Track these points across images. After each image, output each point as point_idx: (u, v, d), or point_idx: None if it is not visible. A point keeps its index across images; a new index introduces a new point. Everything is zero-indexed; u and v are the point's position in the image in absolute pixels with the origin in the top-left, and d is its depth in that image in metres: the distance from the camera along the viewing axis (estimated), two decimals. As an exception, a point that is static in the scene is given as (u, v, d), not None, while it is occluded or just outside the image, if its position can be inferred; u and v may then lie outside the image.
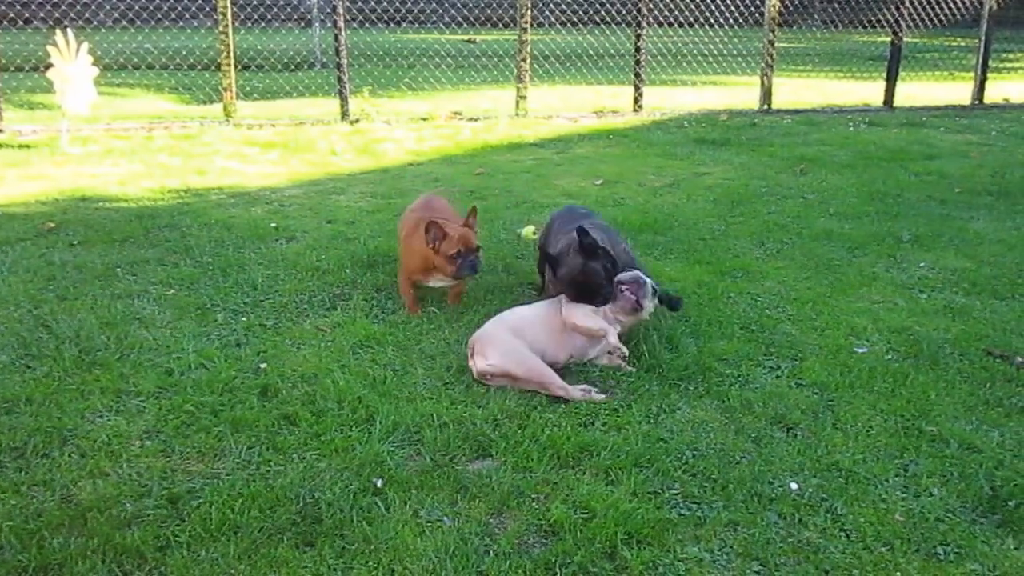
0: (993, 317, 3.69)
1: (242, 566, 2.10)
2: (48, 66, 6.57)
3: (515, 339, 3.04)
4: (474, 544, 2.19)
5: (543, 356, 3.03)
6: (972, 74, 10.33)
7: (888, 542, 2.25)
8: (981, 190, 5.92)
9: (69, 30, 6.62)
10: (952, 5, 10.90)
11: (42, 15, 10.22)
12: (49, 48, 6.50)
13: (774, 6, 9.24)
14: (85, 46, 6.61)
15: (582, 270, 3.18)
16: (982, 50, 10.11)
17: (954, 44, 16.61)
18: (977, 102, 10.15)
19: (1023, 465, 2.59)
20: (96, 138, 7.22)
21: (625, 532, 2.24)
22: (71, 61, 6.51)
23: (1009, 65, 14.27)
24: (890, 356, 3.31)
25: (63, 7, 9.56)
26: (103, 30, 10.21)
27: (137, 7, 10.43)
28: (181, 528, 2.23)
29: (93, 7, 9.73)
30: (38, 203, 5.20)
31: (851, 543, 2.25)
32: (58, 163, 6.30)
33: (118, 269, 4.06)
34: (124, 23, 10.17)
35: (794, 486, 2.46)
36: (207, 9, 13.39)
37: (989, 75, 10.27)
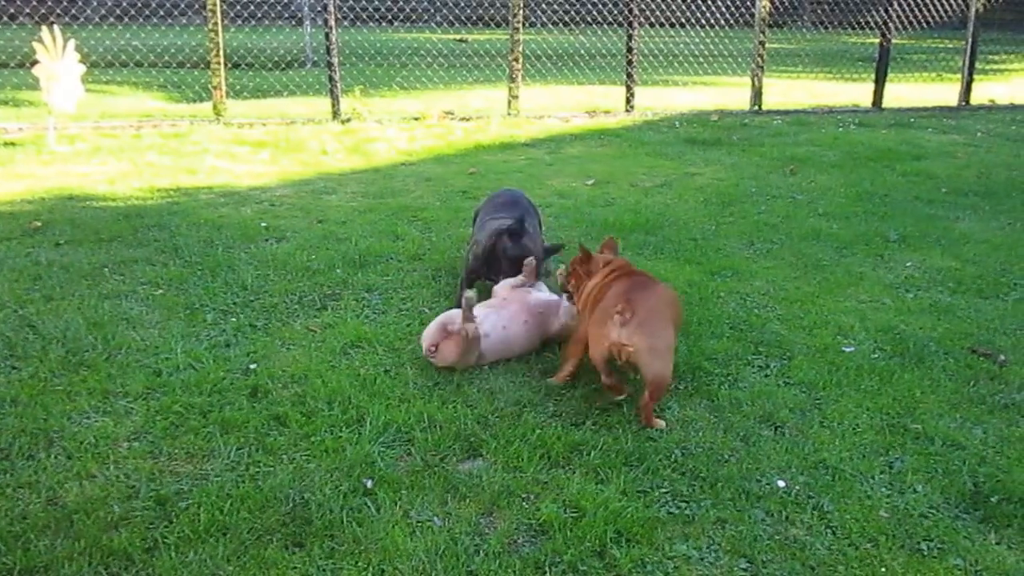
0: (977, 316, 3.73)
1: (231, 567, 2.10)
2: (34, 63, 6.52)
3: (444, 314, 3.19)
4: (464, 544, 2.20)
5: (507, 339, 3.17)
6: (959, 75, 10.39)
7: (873, 538, 2.27)
8: (967, 190, 5.97)
9: (55, 26, 6.57)
10: (940, 7, 10.98)
11: (28, 11, 10.14)
12: (35, 44, 6.46)
13: (764, 7, 9.28)
14: (72, 43, 6.57)
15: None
16: (969, 52, 10.18)
17: (941, 46, 16.71)
18: (964, 103, 10.22)
19: (1005, 462, 2.62)
20: (83, 136, 7.18)
21: (615, 531, 2.25)
22: (57, 58, 6.47)
23: (995, 67, 14.38)
24: (877, 355, 3.34)
25: (49, 3, 9.49)
26: (90, 27, 10.15)
27: (125, 3, 10.37)
28: (169, 530, 2.22)
29: (80, 3, 9.67)
30: (24, 202, 5.16)
31: (837, 540, 2.27)
32: (44, 161, 6.26)
33: (105, 269, 4.05)
34: (112, 20, 10.12)
35: (781, 484, 2.48)
36: (196, 7, 13.33)
37: (975, 77, 10.34)
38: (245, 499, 2.33)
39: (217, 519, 2.25)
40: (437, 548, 2.18)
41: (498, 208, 3.93)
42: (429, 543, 2.19)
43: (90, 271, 4.00)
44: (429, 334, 3.09)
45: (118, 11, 10.05)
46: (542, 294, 3.41)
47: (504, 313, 3.21)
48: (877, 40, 10.00)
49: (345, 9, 16.16)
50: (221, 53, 8.00)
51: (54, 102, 6.59)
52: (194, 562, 2.11)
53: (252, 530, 2.23)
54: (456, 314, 3.10)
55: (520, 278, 3.43)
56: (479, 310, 3.20)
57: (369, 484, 2.42)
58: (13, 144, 6.80)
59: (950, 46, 15.47)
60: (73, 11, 9.73)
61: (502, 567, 2.12)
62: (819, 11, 18.72)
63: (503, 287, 3.43)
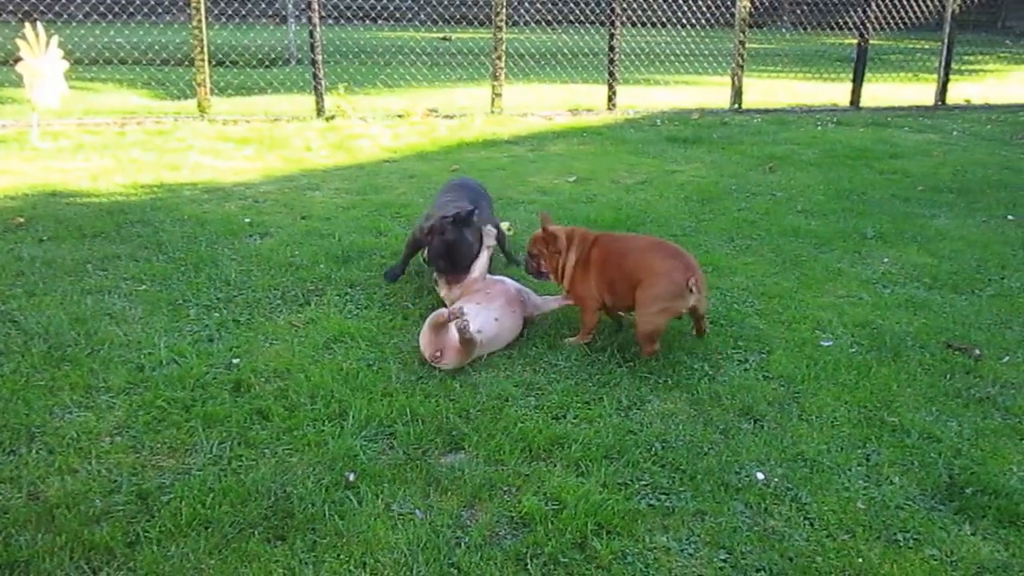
0: (953, 311, 3.79)
1: (213, 561, 2.11)
2: (17, 60, 6.47)
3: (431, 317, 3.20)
4: (446, 536, 2.22)
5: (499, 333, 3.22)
6: (935, 76, 10.52)
7: (850, 529, 2.31)
8: (943, 188, 6.05)
9: (39, 23, 6.52)
10: (916, 8, 11.10)
11: (11, 8, 10.03)
12: (18, 41, 6.40)
13: (744, 7, 9.35)
14: (55, 39, 6.52)
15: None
16: (945, 52, 10.31)
17: (918, 47, 16.87)
18: (940, 103, 10.35)
19: (980, 454, 2.67)
20: (67, 133, 7.12)
21: (595, 523, 2.27)
22: (41, 55, 6.42)
23: (970, 67, 14.55)
24: (854, 349, 3.38)
25: (32, 0, 9.40)
26: (73, 24, 10.05)
27: (109, 0, 10.28)
28: (151, 524, 2.22)
29: (63, 0, 9.58)
30: (7, 198, 5.12)
31: (815, 531, 2.30)
32: (28, 158, 6.21)
33: (88, 265, 4.03)
34: (95, 17, 10.03)
35: (760, 476, 2.52)
36: (180, 4, 13.24)
37: (951, 77, 10.48)
38: (227, 493, 2.34)
39: (199, 513, 2.26)
40: (419, 540, 2.19)
41: (449, 191, 4.05)
42: (411, 536, 2.21)
43: (73, 267, 3.98)
44: (429, 341, 3.08)
45: (102, 8, 9.96)
46: (515, 283, 3.53)
47: (494, 307, 3.27)
48: (855, 41, 10.10)
49: (329, 7, 16.10)
50: (205, 50, 7.96)
51: (38, 99, 6.53)
52: (176, 556, 2.12)
53: (234, 523, 2.23)
54: (438, 312, 3.11)
55: (484, 264, 3.50)
56: (468, 306, 3.22)
57: (351, 477, 2.43)
58: (-6, 140, 6.74)
59: (926, 47, 15.63)
60: (56, 8, 9.61)
61: (483, 559, 2.14)
62: (798, 12, 18.88)
63: (478, 277, 3.47)
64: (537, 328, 3.48)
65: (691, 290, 3.05)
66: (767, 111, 9.50)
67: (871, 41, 10.13)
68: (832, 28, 15.70)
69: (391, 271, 3.91)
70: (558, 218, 5.01)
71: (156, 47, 10.98)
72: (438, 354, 3.05)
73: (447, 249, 3.51)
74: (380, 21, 18.68)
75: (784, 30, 19.04)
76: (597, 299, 3.26)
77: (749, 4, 9.40)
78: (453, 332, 3.02)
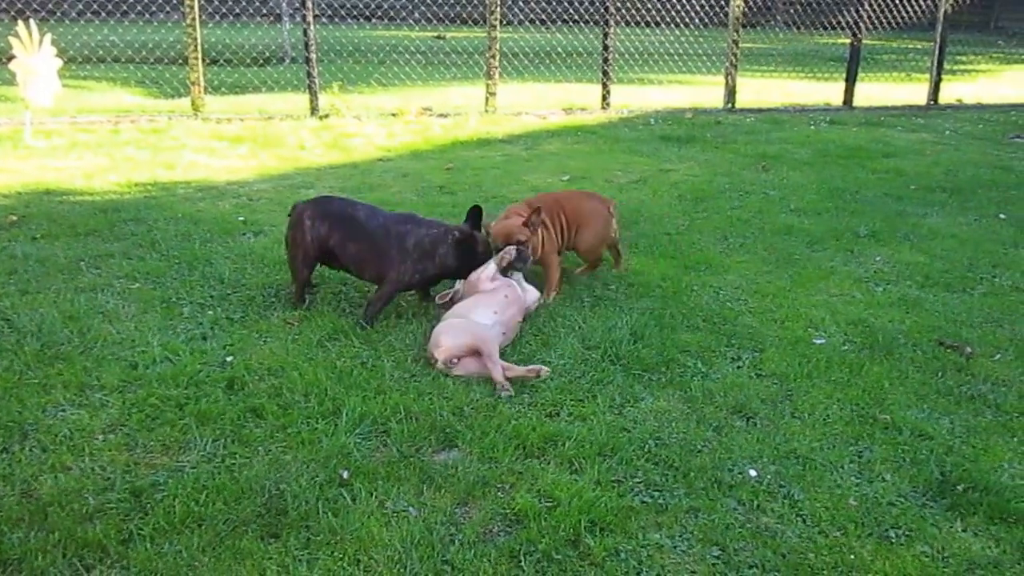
0: (945, 309, 3.81)
1: (206, 558, 2.11)
2: (10, 58, 6.44)
3: (461, 319, 3.20)
4: (439, 533, 2.22)
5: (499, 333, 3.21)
6: (928, 76, 10.57)
7: (842, 526, 2.32)
8: (935, 187, 6.08)
9: (32, 21, 6.50)
10: (909, 9, 11.15)
11: (4, 6, 9.98)
12: (11, 39, 6.37)
13: (738, 7, 9.37)
14: (48, 37, 6.49)
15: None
16: (937, 52, 10.36)
17: (911, 46, 16.94)
18: (932, 102, 10.39)
19: (971, 451, 2.69)
20: (61, 131, 7.10)
21: (589, 520, 2.28)
22: (34, 53, 6.39)
23: (962, 67, 14.62)
24: (847, 347, 3.40)
25: (24, -2, 9.35)
26: (67, 22, 10.02)
27: (101, -1, 10.25)
28: (144, 521, 2.22)
29: (55, -1, 9.55)
30: (0, 196, 5.11)
31: (807, 528, 2.31)
32: (21, 156, 6.18)
33: (82, 263, 4.02)
34: (89, 15, 9.99)
35: (753, 473, 2.53)
36: (174, 2, 13.19)
37: (944, 77, 10.54)
38: (221, 490, 2.33)
39: (193, 510, 2.25)
40: (412, 538, 2.19)
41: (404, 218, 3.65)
42: (404, 533, 2.21)
43: (66, 265, 3.97)
44: (455, 347, 3.02)
45: (95, 6, 9.91)
46: (524, 286, 3.55)
47: (505, 318, 3.27)
48: (848, 40, 10.13)
49: (323, 5, 16.09)
50: (199, 49, 7.94)
51: (31, 97, 6.50)
52: (169, 553, 2.11)
53: (228, 521, 2.23)
54: (482, 334, 3.05)
55: (494, 267, 3.48)
56: (484, 317, 3.21)
57: (345, 475, 2.43)
58: (-14, 139, 6.71)
59: (919, 47, 15.69)
60: (50, 6, 9.58)
61: (477, 556, 2.14)
62: (792, 11, 18.93)
63: (483, 278, 3.45)
64: (531, 327, 3.48)
65: (611, 214, 3.91)
66: (760, 110, 9.53)
67: (864, 41, 10.18)
68: (825, 28, 15.74)
69: (373, 316, 3.47)
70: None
71: (150, 45, 10.95)
72: (455, 361, 3.03)
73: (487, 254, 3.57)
74: (374, 20, 18.67)
75: (778, 30, 19.08)
76: (559, 255, 3.83)
77: (743, 4, 9.42)
78: (490, 357, 2.99)
